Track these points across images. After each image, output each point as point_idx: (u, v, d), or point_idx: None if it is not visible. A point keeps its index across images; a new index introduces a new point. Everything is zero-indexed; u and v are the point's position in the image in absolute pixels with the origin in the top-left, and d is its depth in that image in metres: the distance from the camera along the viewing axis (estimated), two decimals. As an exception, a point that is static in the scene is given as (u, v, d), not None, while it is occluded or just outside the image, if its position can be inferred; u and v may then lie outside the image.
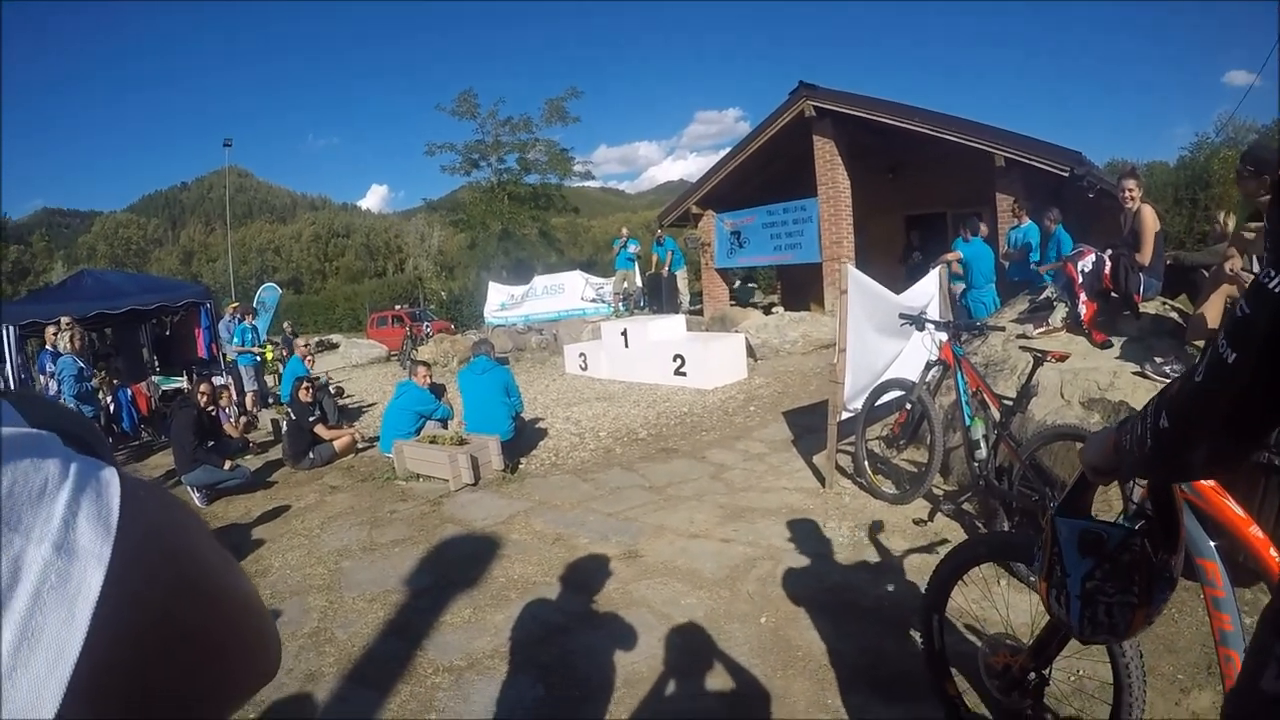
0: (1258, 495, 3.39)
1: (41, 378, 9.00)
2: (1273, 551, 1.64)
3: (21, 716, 0.30)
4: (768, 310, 16.04)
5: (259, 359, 12.83)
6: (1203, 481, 1.70)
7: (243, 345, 12.43)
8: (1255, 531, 1.64)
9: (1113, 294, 5.39)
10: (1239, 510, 1.67)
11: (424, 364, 8.03)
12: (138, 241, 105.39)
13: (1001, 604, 2.87)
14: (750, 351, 11.31)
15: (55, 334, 8.89)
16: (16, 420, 0.37)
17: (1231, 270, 4.57)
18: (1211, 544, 1.72)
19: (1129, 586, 1.48)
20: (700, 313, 17.32)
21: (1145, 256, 5.43)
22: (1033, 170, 11.35)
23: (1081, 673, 2.75)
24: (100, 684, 0.33)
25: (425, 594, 4.23)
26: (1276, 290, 0.85)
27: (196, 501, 6.74)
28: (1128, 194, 5.67)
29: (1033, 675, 2.16)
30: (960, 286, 9.44)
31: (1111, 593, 1.50)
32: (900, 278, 11.38)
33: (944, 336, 4.91)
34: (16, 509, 0.33)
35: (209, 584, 0.43)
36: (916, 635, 3.05)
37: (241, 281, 44.76)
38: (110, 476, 0.38)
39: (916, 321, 5.03)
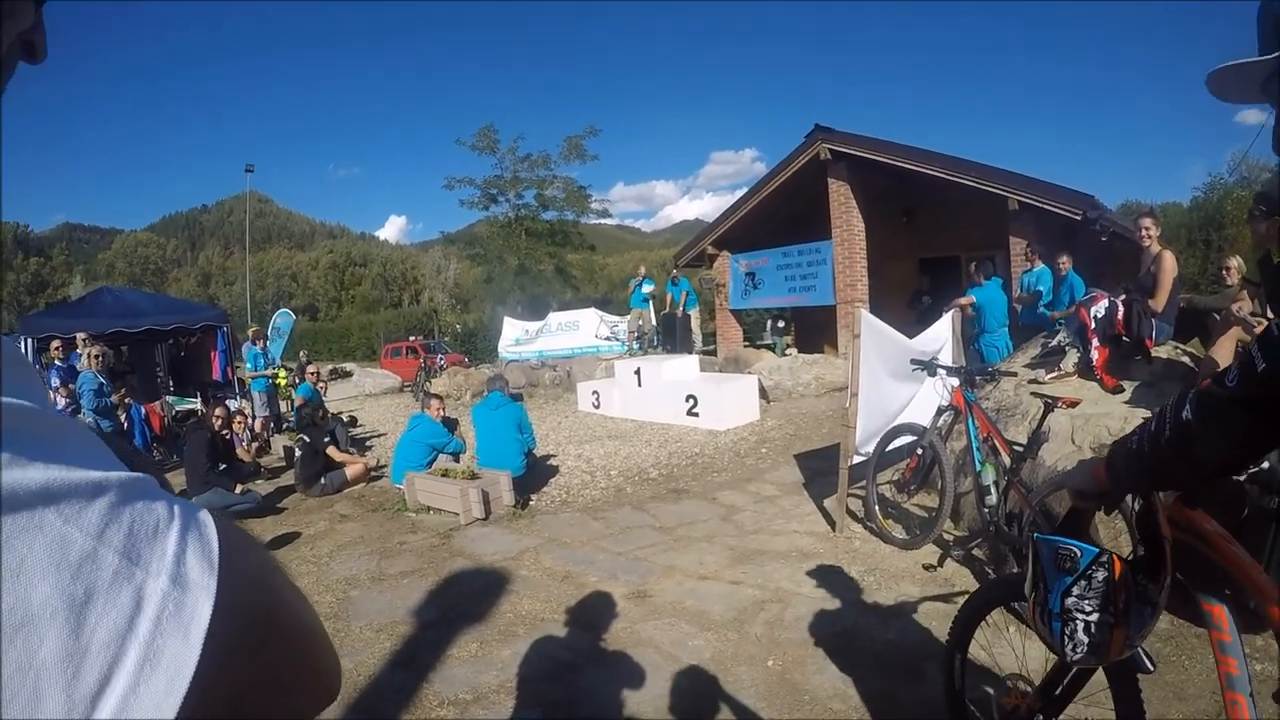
0: (1267, 543, 3.38)
1: (50, 394, 9.11)
2: None
3: None
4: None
5: (271, 383, 12.93)
6: (1210, 528, 1.72)
7: (255, 369, 12.56)
8: (1263, 578, 1.66)
9: (1125, 339, 5.41)
10: (1246, 557, 1.68)
11: (437, 397, 8.09)
12: (156, 261, 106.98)
13: (1018, 647, 2.85)
14: (763, 393, 11.33)
15: (59, 348, 9.03)
16: (115, 463, 0.42)
17: (1240, 313, 4.58)
18: (1216, 588, 1.73)
19: (1106, 605, 1.57)
20: (714, 353, 17.36)
21: (1160, 303, 5.45)
22: (1046, 214, 11.41)
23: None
24: (205, 699, 0.38)
25: (433, 626, 4.23)
26: None
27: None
28: (1145, 233, 5.71)
29: (1040, 717, 2.16)
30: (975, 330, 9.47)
31: (1088, 610, 1.58)
32: (910, 322, 11.43)
33: (955, 382, 4.93)
34: (137, 546, 0.38)
35: (289, 614, 0.49)
36: (942, 673, 3.03)
37: (258, 306, 45.17)
38: (206, 518, 0.43)
39: (928, 367, 5.06)
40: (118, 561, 0.38)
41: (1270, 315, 4.34)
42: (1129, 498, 1.83)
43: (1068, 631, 1.61)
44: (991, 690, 2.48)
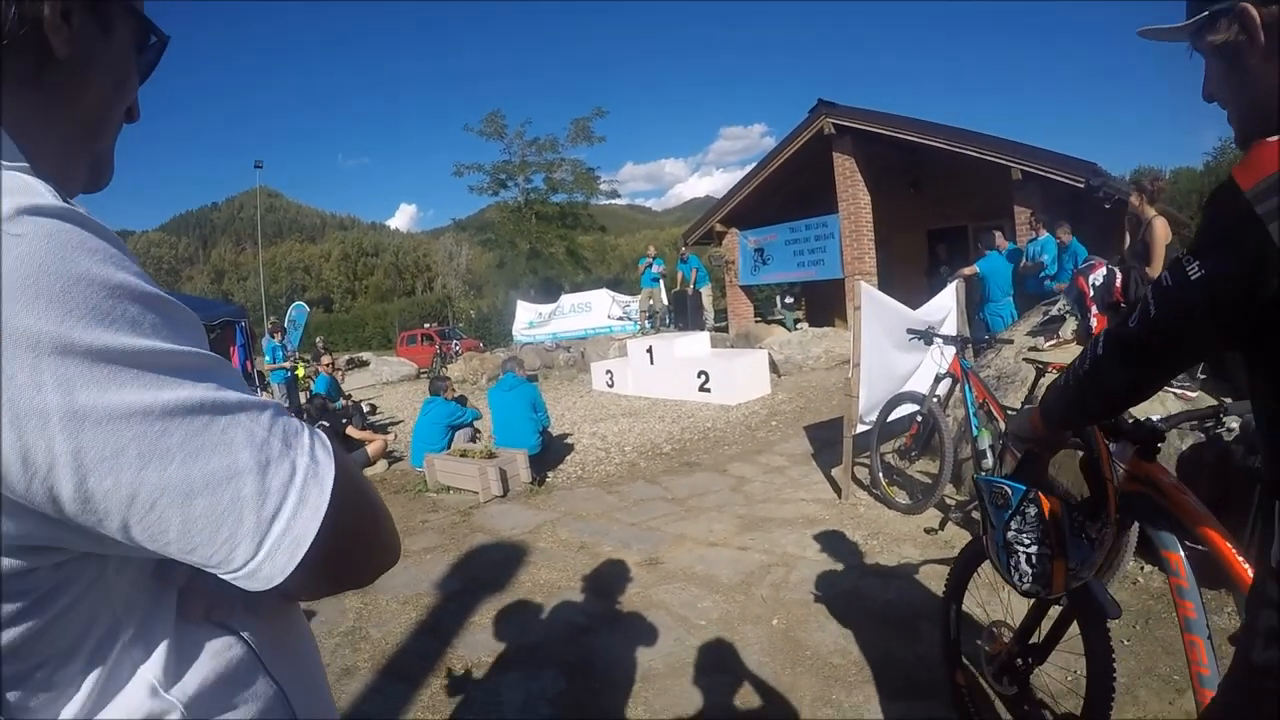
0: (1253, 498, 3.50)
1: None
2: (1231, 545, 1.77)
3: (302, 535, 0.63)
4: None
5: (290, 374, 13.18)
6: (1166, 480, 1.86)
7: (274, 362, 12.79)
8: (1215, 526, 1.79)
9: (1124, 306, 5.51)
10: (1199, 506, 1.81)
11: (445, 379, 8.32)
12: (169, 260, 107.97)
13: (1006, 601, 3.01)
14: (774, 367, 11.46)
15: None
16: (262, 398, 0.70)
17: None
18: (1173, 536, 1.87)
19: (1042, 538, 1.75)
20: (725, 329, 17.49)
21: (1155, 269, 5.56)
22: (1049, 183, 11.45)
23: (1079, 671, 2.88)
24: (330, 531, 0.65)
25: (455, 597, 4.45)
26: (1192, 276, 1.12)
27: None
28: (1132, 207, 5.81)
29: (1020, 661, 2.31)
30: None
31: (1027, 543, 1.77)
32: (924, 290, 11.53)
33: (953, 350, 5.07)
34: (289, 438, 0.66)
35: (371, 492, 0.76)
36: (939, 624, 3.19)
37: (272, 300, 45.57)
38: (319, 431, 0.71)
39: (925, 336, 5.19)
40: (281, 445, 0.64)
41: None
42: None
43: (1012, 563, 1.79)
44: (981, 641, 2.63)
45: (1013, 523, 1.79)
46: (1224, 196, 1.09)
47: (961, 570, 2.70)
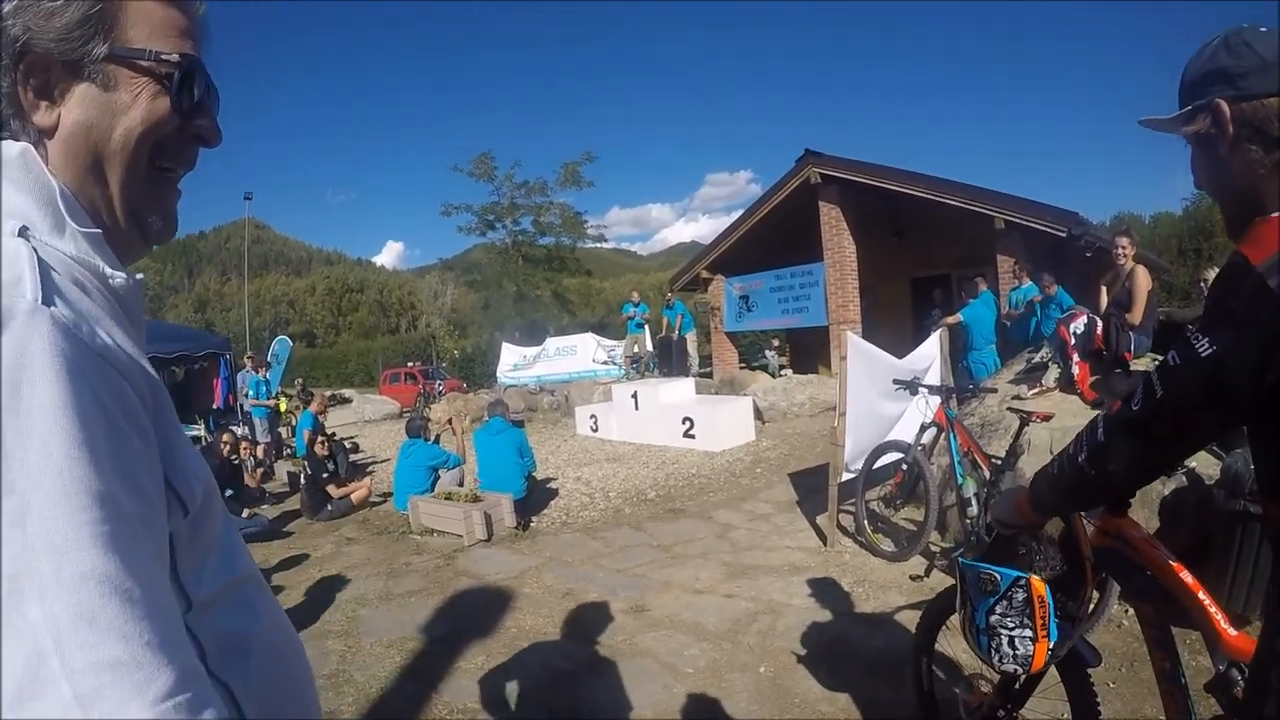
0: (1234, 543, 3.56)
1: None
2: (1203, 595, 1.81)
3: None
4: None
5: (271, 410, 13.09)
6: (1136, 533, 1.90)
7: (256, 397, 12.71)
8: (1186, 576, 1.82)
9: (1104, 353, 5.62)
10: (1167, 557, 1.85)
11: (425, 420, 8.36)
12: (153, 287, 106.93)
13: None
14: (758, 414, 11.50)
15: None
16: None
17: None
18: (1146, 588, 1.90)
19: (1026, 623, 1.74)
20: (710, 375, 17.55)
21: (1137, 316, 5.68)
22: (1032, 231, 11.68)
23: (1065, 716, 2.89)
24: None
25: (440, 641, 4.41)
26: (1203, 353, 1.12)
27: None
28: (1121, 251, 5.93)
29: (1001, 713, 2.33)
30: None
31: (1011, 626, 1.76)
32: (908, 338, 11.64)
33: (938, 400, 5.14)
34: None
35: None
36: (911, 677, 3.20)
37: (256, 333, 45.28)
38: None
39: (910, 386, 5.26)
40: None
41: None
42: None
43: (994, 645, 1.79)
44: (959, 691, 2.65)
45: (998, 607, 1.78)
46: (1233, 273, 1.11)
47: (931, 624, 2.72)
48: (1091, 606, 1.89)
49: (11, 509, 0.51)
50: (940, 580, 4.68)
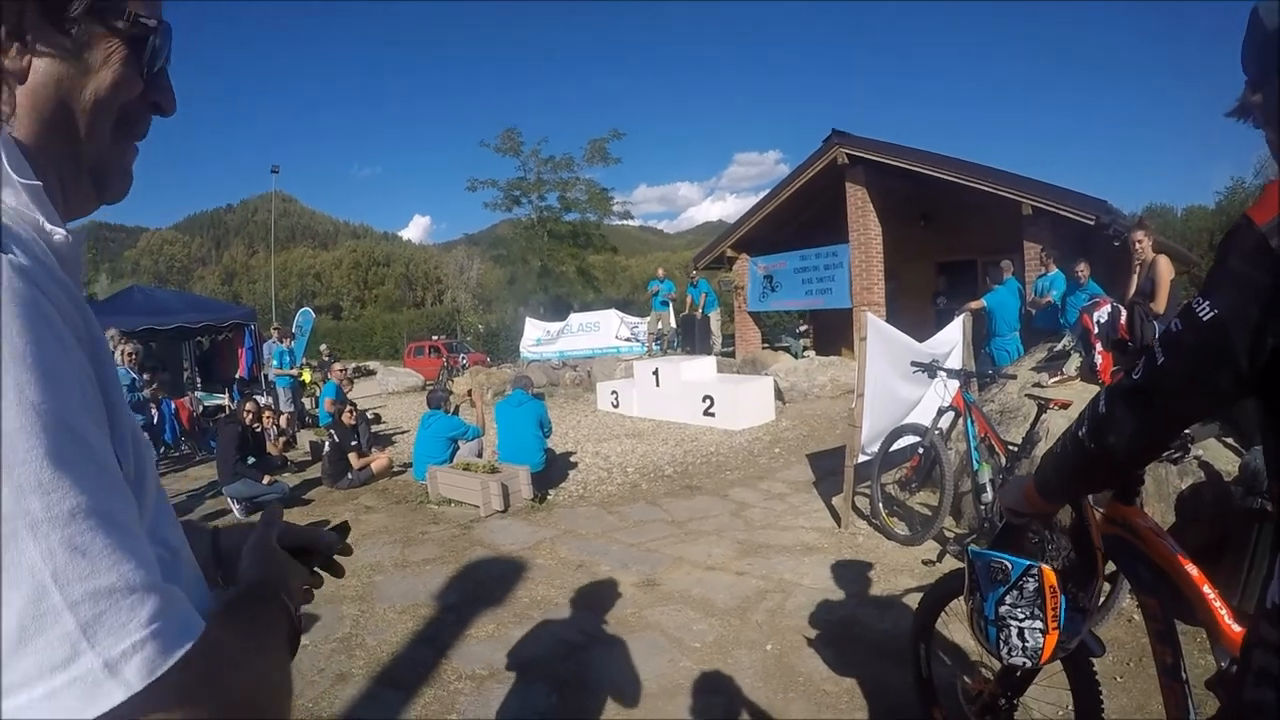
0: (1250, 541, 3.52)
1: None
2: (1208, 589, 1.78)
3: None
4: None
5: (295, 381, 13.26)
6: (1144, 523, 1.87)
7: (280, 367, 12.88)
8: (1191, 569, 1.79)
9: (1129, 343, 5.54)
10: (1174, 549, 1.82)
11: (446, 392, 8.45)
12: (181, 259, 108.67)
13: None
14: (779, 394, 11.48)
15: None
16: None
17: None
18: (1151, 580, 1.87)
19: (1038, 613, 1.70)
20: (732, 354, 17.52)
21: (1161, 305, 5.60)
22: (1059, 219, 11.46)
23: (1068, 705, 2.89)
24: None
25: (452, 609, 4.48)
26: (1204, 317, 1.10)
27: (236, 513, 7.17)
28: (1137, 245, 5.85)
29: (1003, 701, 2.32)
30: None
31: (1021, 617, 1.72)
32: (931, 322, 11.53)
33: (956, 384, 5.10)
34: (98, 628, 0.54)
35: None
36: (910, 663, 3.21)
37: (281, 305, 45.73)
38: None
39: (928, 369, 5.22)
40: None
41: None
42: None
43: (1003, 637, 1.74)
44: (961, 675, 2.64)
45: (1008, 597, 1.74)
46: (1236, 233, 1.08)
47: (929, 610, 2.70)
48: (1102, 599, 1.86)
49: None
50: (953, 566, 4.67)
